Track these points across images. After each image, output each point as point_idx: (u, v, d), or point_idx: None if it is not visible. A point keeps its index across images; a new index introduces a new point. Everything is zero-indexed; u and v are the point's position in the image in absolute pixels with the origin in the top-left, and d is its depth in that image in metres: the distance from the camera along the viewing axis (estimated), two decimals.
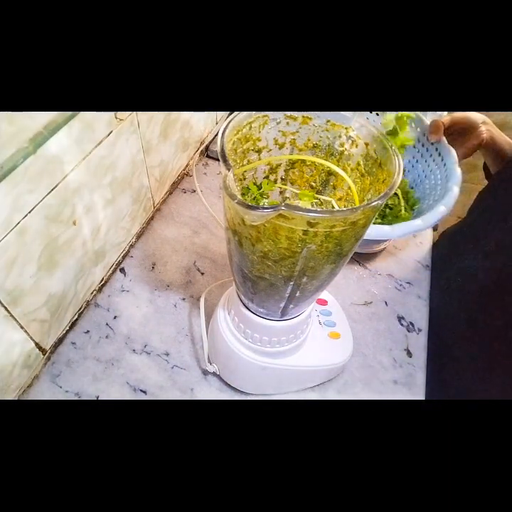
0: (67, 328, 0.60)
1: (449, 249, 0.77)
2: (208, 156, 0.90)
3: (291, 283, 0.39)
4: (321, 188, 0.44)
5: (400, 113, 0.70)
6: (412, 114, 0.72)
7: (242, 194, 0.41)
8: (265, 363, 0.51)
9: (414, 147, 0.74)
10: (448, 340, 0.70)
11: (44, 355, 0.57)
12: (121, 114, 0.56)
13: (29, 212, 0.44)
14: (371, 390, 0.60)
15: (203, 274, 0.70)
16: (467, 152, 0.68)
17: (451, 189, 0.62)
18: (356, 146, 0.40)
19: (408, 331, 0.67)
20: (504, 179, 0.69)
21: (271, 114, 0.40)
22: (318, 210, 0.32)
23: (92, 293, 0.64)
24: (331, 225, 0.32)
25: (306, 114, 0.40)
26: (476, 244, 0.68)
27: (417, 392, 0.61)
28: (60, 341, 0.59)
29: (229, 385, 0.58)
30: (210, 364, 0.56)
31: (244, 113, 0.38)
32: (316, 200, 0.42)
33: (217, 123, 0.94)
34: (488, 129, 0.68)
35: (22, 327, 0.50)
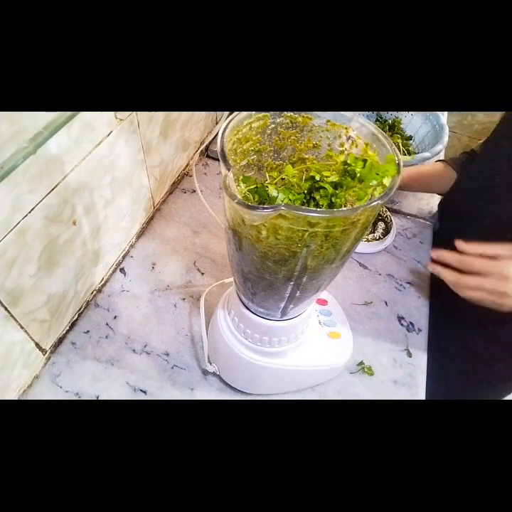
0: (67, 328, 0.60)
1: (453, 221, 0.78)
2: (207, 156, 0.90)
3: (291, 283, 0.39)
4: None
5: None
6: None
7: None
8: (265, 363, 0.51)
9: None
10: (448, 340, 0.70)
11: (44, 355, 0.57)
12: (121, 114, 0.56)
13: (29, 212, 0.44)
14: (371, 390, 0.60)
15: (203, 274, 0.70)
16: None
17: (442, 137, 0.81)
18: (356, 146, 0.40)
19: (408, 331, 0.67)
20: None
21: (271, 114, 0.40)
22: (319, 210, 0.32)
23: (92, 293, 0.64)
24: (331, 225, 0.32)
25: (306, 114, 0.40)
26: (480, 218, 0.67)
27: (417, 392, 0.61)
28: (60, 341, 0.59)
29: (229, 385, 0.58)
30: (210, 364, 0.56)
31: (244, 113, 0.38)
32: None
33: (217, 123, 0.94)
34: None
35: (22, 327, 0.50)
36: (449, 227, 0.79)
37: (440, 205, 0.83)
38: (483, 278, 0.54)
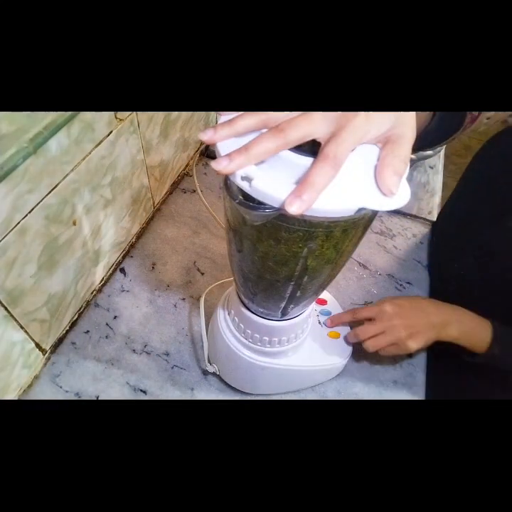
0: (67, 328, 0.60)
1: (443, 247, 0.75)
2: (207, 156, 0.90)
3: (292, 283, 0.39)
4: None
5: None
6: None
7: None
8: (265, 363, 0.51)
9: None
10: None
11: (44, 355, 0.57)
12: (121, 114, 0.56)
13: (29, 212, 0.44)
14: (371, 390, 0.60)
15: (203, 274, 0.70)
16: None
17: None
18: None
19: None
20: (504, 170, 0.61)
21: None
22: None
23: (92, 293, 0.64)
24: (332, 225, 0.32)
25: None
26: (466, 247, 0.64)
27: (417, 392, 0.61)
28: (60, 341, 0.59)
29: (229, 385, 0.58)
30: (210, 364, 0.56)
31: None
32: None
33: (217, 123, 0.94)
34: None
35: (22, 327, 0.50)
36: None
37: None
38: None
